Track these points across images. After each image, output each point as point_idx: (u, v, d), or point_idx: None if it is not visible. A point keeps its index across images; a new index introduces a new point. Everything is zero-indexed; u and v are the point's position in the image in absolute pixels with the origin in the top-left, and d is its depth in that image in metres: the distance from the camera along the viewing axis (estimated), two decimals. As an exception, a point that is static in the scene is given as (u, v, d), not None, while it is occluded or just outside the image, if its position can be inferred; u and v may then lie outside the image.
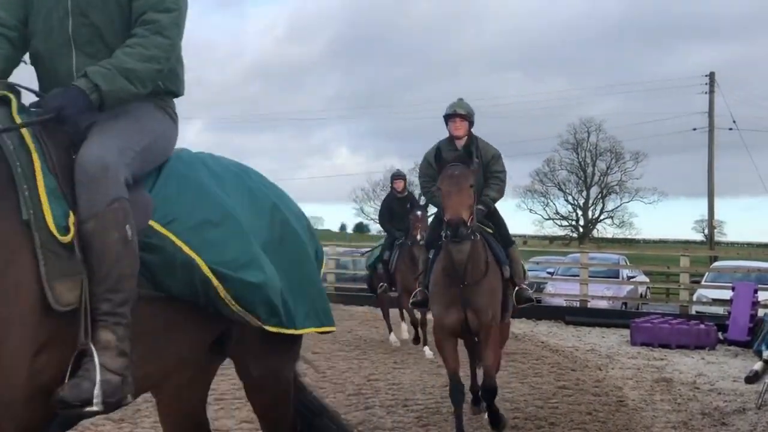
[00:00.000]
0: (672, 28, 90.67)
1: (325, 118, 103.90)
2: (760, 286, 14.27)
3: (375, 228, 78.96)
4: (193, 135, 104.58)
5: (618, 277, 19.19)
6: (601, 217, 75.91)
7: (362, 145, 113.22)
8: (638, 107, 77.88)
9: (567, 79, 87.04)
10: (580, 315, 15.27)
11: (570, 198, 76.13)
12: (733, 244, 71.43)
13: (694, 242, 70.21)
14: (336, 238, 48.66)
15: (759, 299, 13.50)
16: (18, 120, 2.58)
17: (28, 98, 2.83)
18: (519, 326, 14.34)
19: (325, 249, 15.01)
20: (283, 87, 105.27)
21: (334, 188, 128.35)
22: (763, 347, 10.95)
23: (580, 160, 75.08)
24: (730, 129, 36.53)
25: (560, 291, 17.90)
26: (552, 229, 78.40)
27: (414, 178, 14.94)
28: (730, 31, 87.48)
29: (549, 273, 21.62)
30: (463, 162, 5.92)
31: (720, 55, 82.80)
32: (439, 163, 6.00)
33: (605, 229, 75.97)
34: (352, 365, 9.35)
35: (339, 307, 15.09)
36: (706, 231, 44.55)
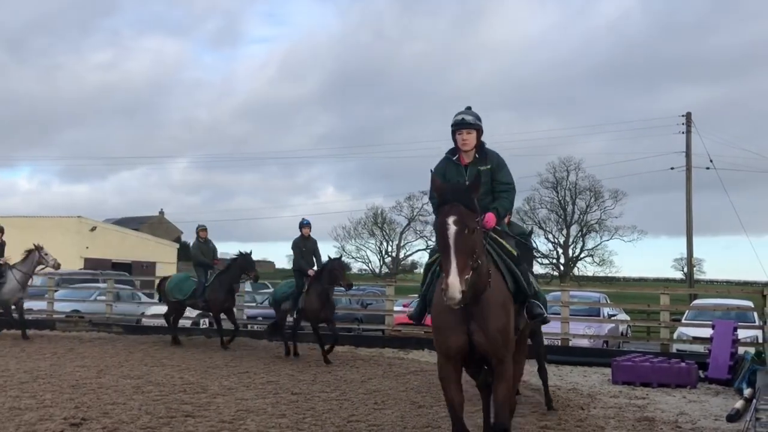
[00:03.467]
0: (650, 70, 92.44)
1: (312, 156, 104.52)
2: (739, 324, 14.34)
3: (356, 266, 79.05)
4: (178, 173, 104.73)
5: (599, 315, 19.18)
6: (582, 255, 76.35)
7: (348, 184, 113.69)
8: (617, 146, 78.84)
9: (550, 119, 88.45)
10: (561, 354, 15.22)
11: (550, 236, 76.60)
12: (712, 282, 71.99)
13: (674, 280, 70.73)
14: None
15: (739, 337, 13.55)
16: None
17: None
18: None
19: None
20: (271, 126, 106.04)
21: (317, 227, 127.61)
22: (744, 385, 10.96)
23: (560, 198, 75.71)
24: (708, 168, 37.04)
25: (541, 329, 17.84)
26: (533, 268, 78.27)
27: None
28: (708, 73, 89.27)
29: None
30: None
31: (698, 97, 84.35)
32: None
33: (585, 267, 76.40)
34: (332, 406, 9.24)
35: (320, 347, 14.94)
36: (686, 269, 44.76)
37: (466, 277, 4.88)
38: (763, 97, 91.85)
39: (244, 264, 16.31)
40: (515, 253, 5.97)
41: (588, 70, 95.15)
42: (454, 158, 6.30)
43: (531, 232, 9.40)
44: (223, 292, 16.28)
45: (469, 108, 6.32)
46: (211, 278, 16.55)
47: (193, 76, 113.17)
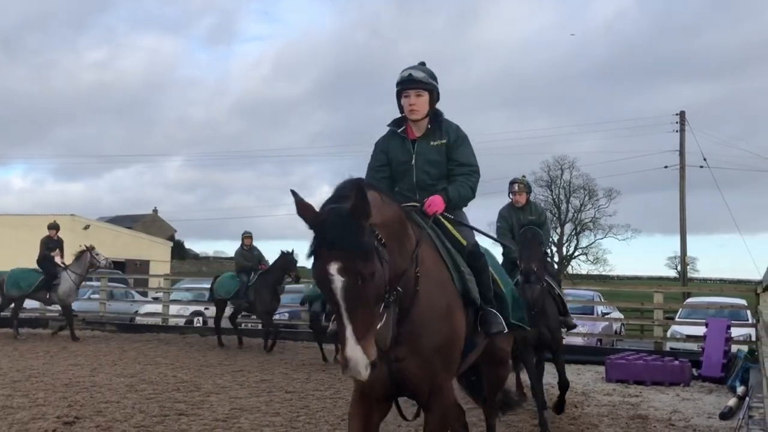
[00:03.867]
0: (645, 69, 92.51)
1: (307, 155, 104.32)
2: (733, 322, 14.37)
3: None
4: (172, 172, 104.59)
5: (593, 314, 19.21)
6: (576, 254, 76.43)
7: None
8: (611, 145, 79.11)
9: (545, 118, 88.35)
10: (555, 352, 15.21)
11: (544, 235, 76.67)
12: (705, 280, 72.11)
13: (667, 278, 70.85)
14: (310, 276, 48.21)
15: (732, 335, 13.59)
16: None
17: None
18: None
19: (300, 287, 15.08)
20: (266, 124, 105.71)
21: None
22: (737, 383, 10.99)
23: (554, 197, 75.77)
24: (701, 167, 37.14)
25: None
26: (527, 266, 78.33)
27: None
28: (703, 72, 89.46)
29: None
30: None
31: (692, 96, 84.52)
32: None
33: (579, 266, 76.46)
34: (326, 404, 9.23)
35: (314, 345, 14.94)
36: (679, 267, 44.86)
37: (374, 339, 3.38)
38: (757, 97, 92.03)
39: (285, 264, 15.92)
40: (464, 243, 4.74)
41: (583, 69, 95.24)
42: (400, 130, 4.99)
43: (543, 222, 8.90)
44: (268, 293, 15.91)
45: (422, 63, 4.98)
46: (254, 278, 16.21)
47: (187, 74, 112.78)
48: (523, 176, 9.78)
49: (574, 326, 9.56)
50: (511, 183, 9.57)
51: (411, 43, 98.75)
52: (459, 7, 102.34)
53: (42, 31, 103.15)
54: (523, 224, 8.43)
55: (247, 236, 16.77)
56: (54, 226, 17.61)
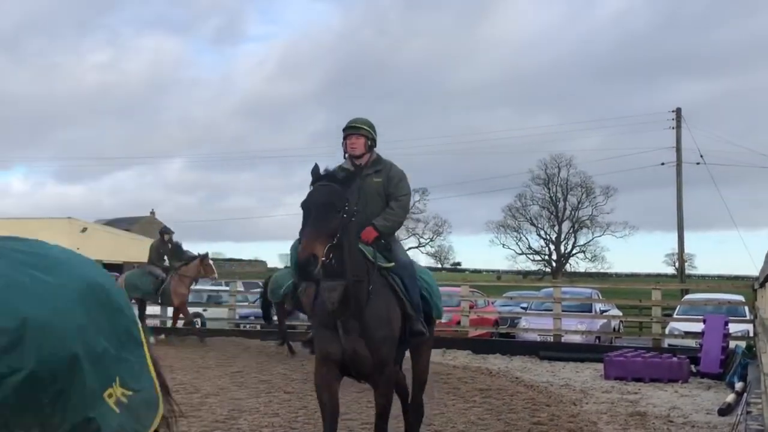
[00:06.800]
0: (643, 66, 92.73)
1: (308, 155, 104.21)
2: (730, 318, 14.41)
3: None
4: (173, 173, 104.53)
5: (591, 311, 19.25)
6: (574, 252, 76.55)
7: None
8: (608, 142, 79.14)
9: (544, 116, 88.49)
10: (553, 350, 15.26)
11: (542, 233, 76.76)
12: (703, 276, 72.27)
13: (665, 275, 70.92)
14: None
15: (730, 331, 13.62)
16: None
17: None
18: (494, 362, 14.30)
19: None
20: (268, 125, 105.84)
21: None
22: (735, 379, 11.01)
23: (551, 195, 75.85)
24: (698, 164, 37.19)
25: (534, 326, 17.92)
26: (525, 264, 78.49)
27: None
28: (702, 70, 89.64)
29: (523, 308, 21.66)
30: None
31: (690, 93, 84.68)
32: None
33: (577, 263, 76.62)
34: (326, 404, 9.23)
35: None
36: (677, 264, 44.92)
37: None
38: (755, 93, 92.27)
39: None
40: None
41: (584, 66, 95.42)
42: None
43: None
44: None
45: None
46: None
47: (190, 75, 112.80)
48: None
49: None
50: None
51: (416, 40, 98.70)
52: (466, 3, 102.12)
53: (45, 32, 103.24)
54: None
55: None
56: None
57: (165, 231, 17.51)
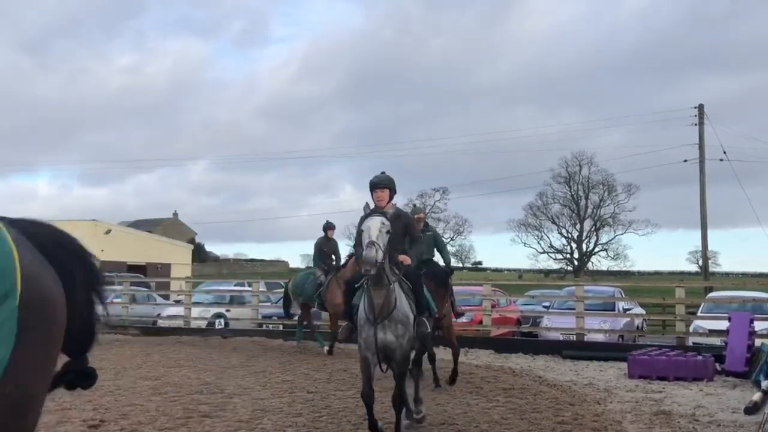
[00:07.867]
0: (669, 61, 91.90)
1: (331, 155, 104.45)
2: (756, 315, 14.26)
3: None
4: (197, 175, 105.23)
5: (614, 310, 19.13)
6: (596, 250, 76.13)
7: (366, 183, 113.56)
8: (630, 140, 78.64)
9: (566, 113, 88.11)
10: (577, 349, 15.19)
11: (564, 231, 76.42)
12: (727, 274, 71.54)
13: (689, 273, 70.34)
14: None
15: (755, 329, 13.48)
16: None
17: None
18: (516, 361, 14.27)
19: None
20: (291, 126, 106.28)
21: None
22: (762, 377, 10.89)
23: (573, 193, 75.49)
24: (721, 160, 36.82)
25: (556, 325, 17.85)
26: (547, 263, 78.20)
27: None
28: (725, 66, 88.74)
29: (545, 307, 21.57)
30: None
31: (714, 89, 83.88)
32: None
33: (600, 262, 76.19)
34: (348, 404, 9.26)
35: (336, 345, 14.97)
36: (701, 262, 44.49)
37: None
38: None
39: None
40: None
41: (604, 65, 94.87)
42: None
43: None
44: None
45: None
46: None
47: (214, 77, 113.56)
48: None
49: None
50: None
51: (438, 39, 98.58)
52: (488, 1, 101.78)
53: (72, 37, 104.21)
54: None
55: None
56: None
57: (329, 226, 15.85)
